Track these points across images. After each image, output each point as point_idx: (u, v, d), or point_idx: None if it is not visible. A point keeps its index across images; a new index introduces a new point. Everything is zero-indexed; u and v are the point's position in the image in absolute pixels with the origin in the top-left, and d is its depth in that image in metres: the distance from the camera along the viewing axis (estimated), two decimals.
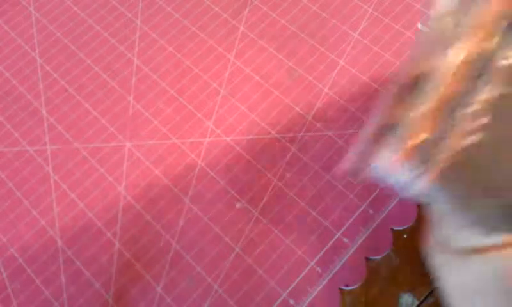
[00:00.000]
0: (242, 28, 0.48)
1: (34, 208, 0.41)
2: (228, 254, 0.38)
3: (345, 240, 0.37)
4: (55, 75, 0.47)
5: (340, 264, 0.37)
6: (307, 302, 0.36)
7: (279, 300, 0.36)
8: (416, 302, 0.35)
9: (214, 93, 0.45)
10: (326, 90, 0.43)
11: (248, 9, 0.49)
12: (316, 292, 0.36)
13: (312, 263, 0.37)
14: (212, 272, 0.37)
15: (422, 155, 0.27)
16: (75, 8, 0.51)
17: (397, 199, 0.38)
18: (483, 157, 0.26)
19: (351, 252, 0.37)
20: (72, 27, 0.50)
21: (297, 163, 0.40)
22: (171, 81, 0.46)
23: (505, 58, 0.25)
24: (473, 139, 0.26)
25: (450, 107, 0.27)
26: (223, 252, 0.38)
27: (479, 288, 0.27)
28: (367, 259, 0.37)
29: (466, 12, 0.26)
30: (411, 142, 0.27)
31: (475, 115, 0.26)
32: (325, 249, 0.37)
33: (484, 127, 0.26)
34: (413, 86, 0.28)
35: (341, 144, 0.41)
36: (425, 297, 0.36)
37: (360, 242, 0.37)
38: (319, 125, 0.42)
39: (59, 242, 0.39)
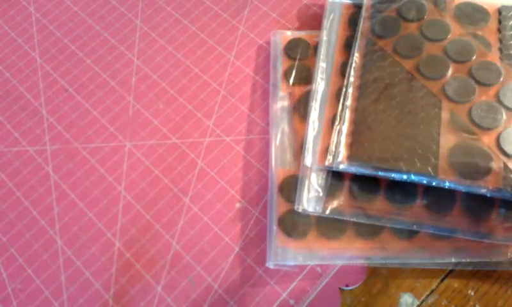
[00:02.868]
0: (242, 28, 0.48)
1: (34, 208, 0.41)
2: (228, 254, 0.38)
3: None
4: (55, 75, 0.47)
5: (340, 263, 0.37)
6: (307, 302, 0.36)
7: (279, 300, 0.36)
8: (417, 302, 0.35)
9: (214, 93, 0.45)
10: None
11: (247, 9, 0.49)
12: (316, 292, 0.36)
13: (312, 263, 0.37)
14: (212, 272, 0.37)
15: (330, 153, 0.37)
16: (75, 8, 0.51)
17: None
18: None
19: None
20: (72, 27, 0.50)
21: None
22: (171, 81, 0.46)
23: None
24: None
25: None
26: (223, 252, 0.38)
27: None
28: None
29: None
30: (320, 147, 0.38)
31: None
32: None
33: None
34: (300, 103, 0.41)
35: None
36: (426, 297, 0.36)
37: None
38: None
39: (59, 242, 0.39)
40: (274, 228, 0.37)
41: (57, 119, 0.45)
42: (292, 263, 0.36)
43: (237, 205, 0.40)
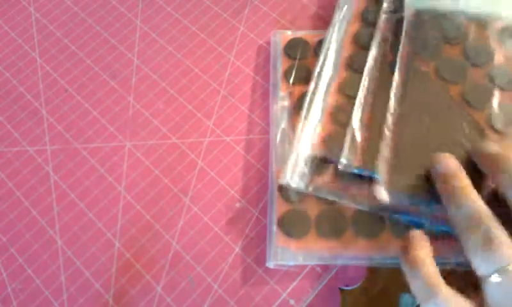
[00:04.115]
0: (242, 28, 0.48)
1: (34, 208, 0.41)
2: (228, 254, 0.38)
3: None
4: (55, 75, 0.47)
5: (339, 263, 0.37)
6: (307, 302, 0.36)
7: (279, 300, 0.36)
8: (417, 302, 0.35)
9: (214, 93, 0.45)
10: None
11: (247, 9, 0.49)
12: (316, 292, 0.36)
13: (312, 263, 0.37)
14: (212, 272, 0.37)
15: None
16: (75, 8, 0.51)
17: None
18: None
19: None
20: (72, 27, 0.50)
21: None
22: (171, 81, 0.46)
23: None
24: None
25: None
26: (223, 252, 0.38)
27: None
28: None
29: None
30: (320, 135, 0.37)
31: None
32: None
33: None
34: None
35: None
36: None
37: None
38: None
39: (59, 242, 0.39)
40: (274, 228, 0.37)
41: (57, 119, 0.45)
42: (292, 263, 0.36)
43: (237, 205, 0.40)
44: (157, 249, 0.38)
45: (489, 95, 0.37)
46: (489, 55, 0.38)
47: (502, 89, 0.37)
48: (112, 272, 0.38)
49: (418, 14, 0.41)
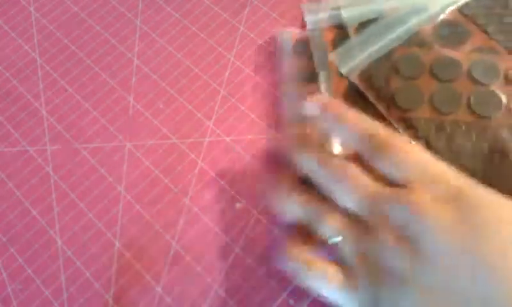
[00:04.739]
0: (242, 28, 0.48)
1: (34, 208, 0.41)
2: (228, 254, 0.38)
3: None
4: (55, 75, 0.47)
5: None
6: (307, 302, 0.36)
7: (279, 300, 0.36)
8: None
9: (214, 93, 0.45)
10: None
11: (247, 9, 0.49)
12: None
13: None
14: (212, 272, 0.37)
15: None
16: (75, 8, 0.51)
17: None
18: None
19: None
20: (72, 27, 0.50)
21: None
22: (171, 81, 0.46)
23: None
24: None
25: None
26: (223, 252, 0.38)
27: None
28: None
29: None
30: None
31: None
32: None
33: None
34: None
35: None
36: None
37: None
38: None
39: (59, 242, 0.39)
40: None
41: (57, 119, 0.45)
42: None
43: (237, 205, 0.40)
44: (157, 249, 0.38)
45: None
46: (496, 71, 0.37)
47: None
48: (112, 272, 0.38)
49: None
